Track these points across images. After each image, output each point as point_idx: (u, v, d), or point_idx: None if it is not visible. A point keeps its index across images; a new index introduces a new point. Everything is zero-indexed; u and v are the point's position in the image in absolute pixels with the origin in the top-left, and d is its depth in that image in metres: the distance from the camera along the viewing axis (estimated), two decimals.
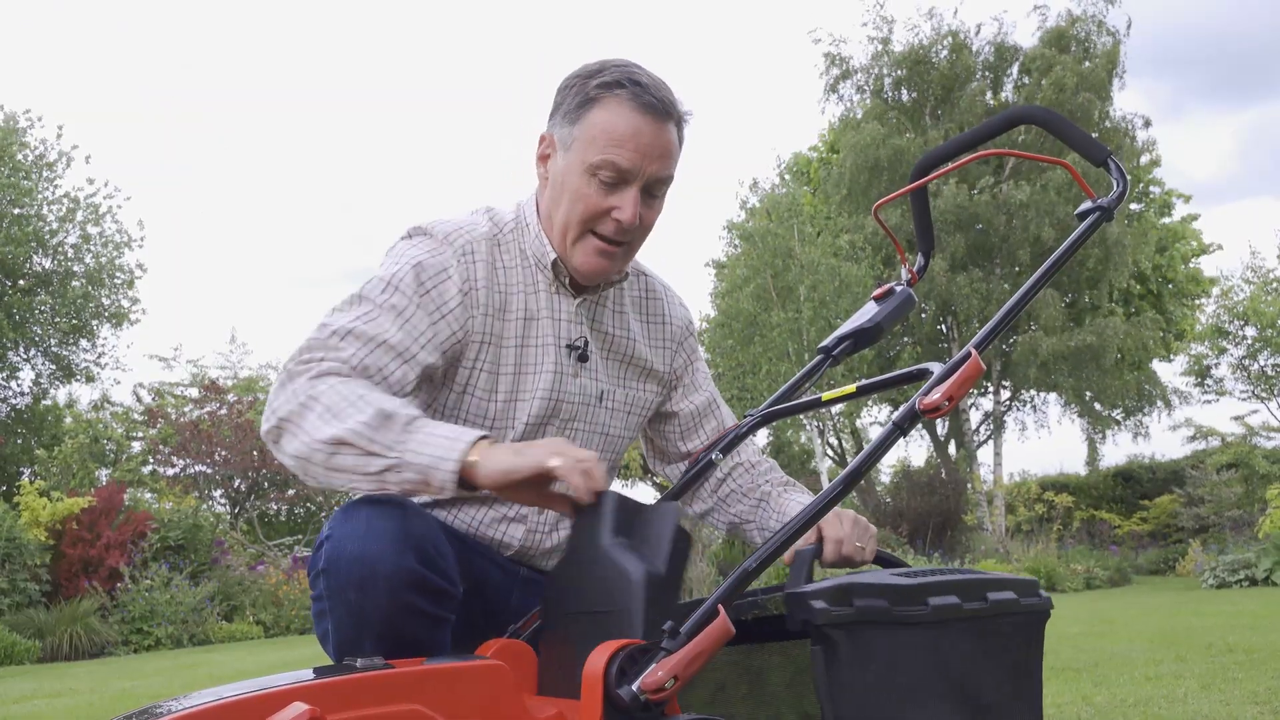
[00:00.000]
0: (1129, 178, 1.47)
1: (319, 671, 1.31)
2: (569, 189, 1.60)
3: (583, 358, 1.68)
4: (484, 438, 1.40)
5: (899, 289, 1.72)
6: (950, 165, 1.63)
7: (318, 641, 1.53)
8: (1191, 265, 24.29)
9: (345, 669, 1.30)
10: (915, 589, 1.41)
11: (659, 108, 1.58)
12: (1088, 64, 17.44)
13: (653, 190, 1.61)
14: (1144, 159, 19.45)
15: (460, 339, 1.59)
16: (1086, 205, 1.49)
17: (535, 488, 1.38)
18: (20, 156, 16.75)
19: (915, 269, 1.74)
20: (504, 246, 1.66)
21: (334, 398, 1.42)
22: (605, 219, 1.59)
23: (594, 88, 1.58)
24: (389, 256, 1.61)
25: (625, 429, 1.77)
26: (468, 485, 1.38)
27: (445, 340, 1.57)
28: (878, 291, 1.72)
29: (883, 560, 1.67)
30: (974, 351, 1.37)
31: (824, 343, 1.67)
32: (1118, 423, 20.27)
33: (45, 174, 17.08)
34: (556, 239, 1.65)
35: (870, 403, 20.40)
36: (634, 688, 1.22)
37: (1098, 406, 19.69)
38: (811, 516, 1.33)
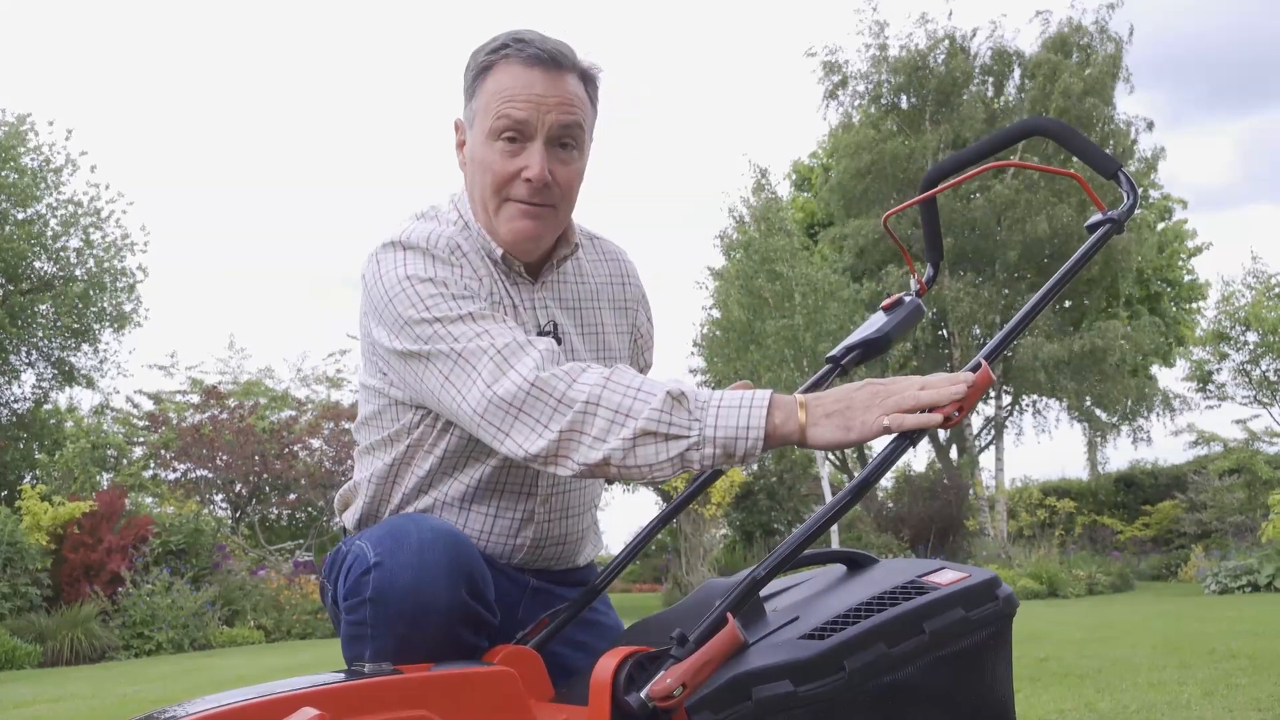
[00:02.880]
0: (1139, 190, 1.46)
1: (327, 676, 1.32)
2: (478, 162, 1.57)
3: (557, 340, 1.65)
4: (774, 395, 1.34)
5: (908, 299, 1.68)
6: (960, 176, 1.63)
7: (343, 660, 1.51)
8: (1189, 264, 24.33)
9: (354, 674, 1.30)
10: (826, 655, 1.27)
11: (547, 58, 1.54)
12: (1090, 70, 17.48)
13: (561, 142, 1.56)
14: (1141, 157, 19.45)
15: None
16: (1097, 218, 1.48)
17: None
18: (25, 160, 16.76)
19: (924, 279, 1.73)
20: (467, 242, 1.62)
21: (610, 397, 1.37)
22: (515, 182, 1.55)
23: (484, 56, 1.57)
24: (390, 279, 1.52)
25: None
26: (782, 444, 1.35)
27: None
28: (887, 302, 1.69)
29: (850, 560, 1.63)
30: (984, 362, 1.36)
31: (832, 352, 1.65)
32: (1116, 428, 20.27)
33: (50, 178, 17.09)
34: (484, 220, 1.61)
35: None
36: (642, 695, 1.22)
37: (1099, 412, 19.69)
38: (820, 526, 1.33)
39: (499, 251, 1.61)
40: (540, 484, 1.65)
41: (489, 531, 1.66)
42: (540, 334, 1.63)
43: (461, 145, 1.64)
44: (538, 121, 1.53)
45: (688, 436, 1.34)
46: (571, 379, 1.39)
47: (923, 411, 1.31)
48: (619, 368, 1.41)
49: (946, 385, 1.32)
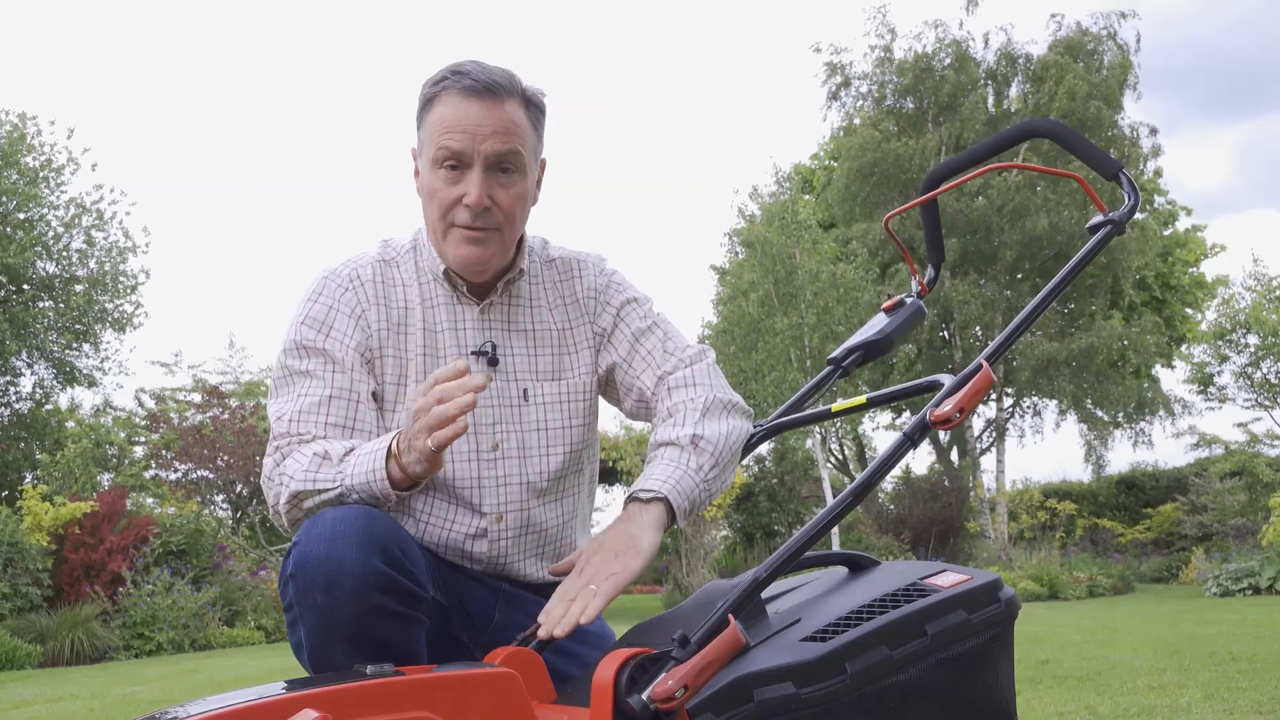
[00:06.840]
0: (1140, 191, 1.46)
1: (328, 678, 1.32)
2: (425, 190, 1.67)
3: (492, 361, 1.69)
4: (397, 435, 1.49)
5: (909, 301, 1.69)
6: (961, 178, 1.63)
7: (293, 656, 1.51)
8: (1195, 271, 24.32)
9: (355, 675, 1.30)
10: (828, 658, 1.28)
11: (481, 88, 1.61)
12: (1098, 74, 17.49)
13: (501, 167, 1.62)
14: (1149, 168, 19.47)
15: (369, 359, 1.65)
16: (1098, 219, 1.48)
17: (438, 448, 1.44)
18: (27, 161, 16.76)
19: (925, 281, 1.73)
20: (399, 266, 1.72)
21: (293, 466, 1.55)
22: (457, 207, 1.63)
23: (428, 89, 1.66)
24: (293, 316, 1.69)
25: (567, 417, 1.74)
26: (410, 485, 1.49)
27: (364, 361, 1.65)
28: (888, 303, 1.70)
29: (852, 562, 1.64)
30: (985, 363, 1.36)
31: (833, 354, 1.65)
32: (1117, 426, 20.25)
33: (52, 179, 17.10)
34: (436, 245, 1.69)
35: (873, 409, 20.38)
36: (644, 697, 1.22)
37: (1099, 413, 19.68)
38: (821, 528, 1.33)
39: (442, 268, 1.69)
40: (485, 503, 1.67)
41: (447, 543, 1.68)
42: (476, 354, 1.69)
43: (416, 174, 1.72)
44: (473, 150, 1.60)
45: (333, 488, 1.51)
46: (287, 456, 1.58)
47: (446, 425, 1.39)
48: (330, 442, 1.56)
49: (456, 388, 1.39)
